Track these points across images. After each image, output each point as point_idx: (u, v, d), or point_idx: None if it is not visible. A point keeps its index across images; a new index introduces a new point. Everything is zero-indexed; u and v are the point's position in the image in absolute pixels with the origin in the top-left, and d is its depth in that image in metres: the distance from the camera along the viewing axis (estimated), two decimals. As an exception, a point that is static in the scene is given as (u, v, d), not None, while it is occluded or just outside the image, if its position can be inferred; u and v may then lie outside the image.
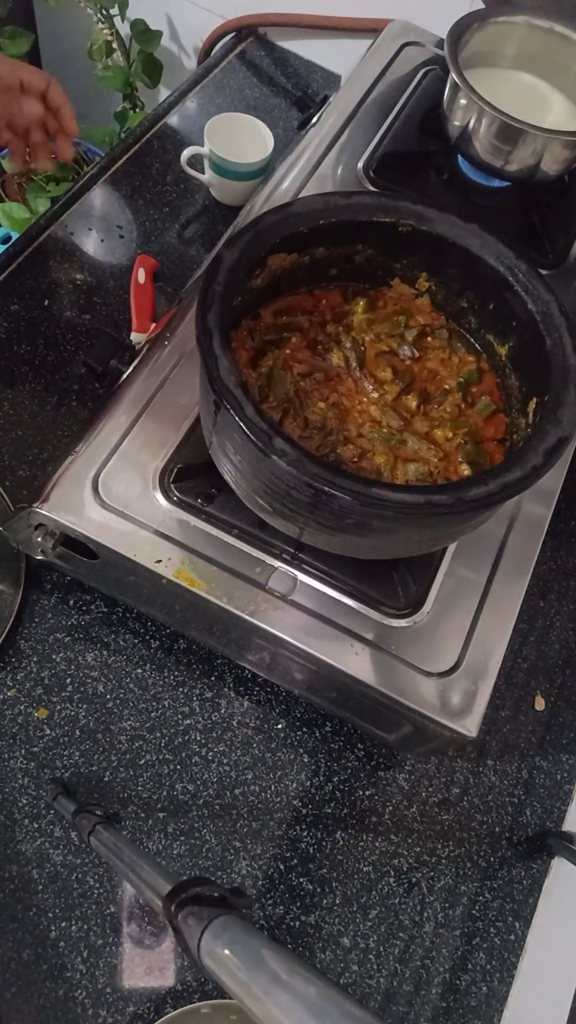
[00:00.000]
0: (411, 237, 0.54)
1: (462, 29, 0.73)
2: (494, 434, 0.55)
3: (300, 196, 0.59)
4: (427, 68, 0.87)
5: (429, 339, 0.59)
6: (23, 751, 0.65)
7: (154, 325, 0.77)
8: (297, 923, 0.64)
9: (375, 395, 0.55)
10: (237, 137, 0.91)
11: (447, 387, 0.57)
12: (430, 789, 0.70)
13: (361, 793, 0.69)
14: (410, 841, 0.68)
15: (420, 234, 0.54)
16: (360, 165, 0.78)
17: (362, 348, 0.57)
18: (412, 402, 0.55)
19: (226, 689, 0.70)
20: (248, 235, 0.50)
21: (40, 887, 0.62)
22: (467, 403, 0.56)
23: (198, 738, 0.68)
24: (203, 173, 0.93)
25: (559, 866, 0.69)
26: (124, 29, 1.17)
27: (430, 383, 0.57)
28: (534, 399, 0.51)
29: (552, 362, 0.49)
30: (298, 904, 0.64)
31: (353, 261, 0.58)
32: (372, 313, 0.59)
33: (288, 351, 0.56)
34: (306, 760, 0.69)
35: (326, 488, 0.42)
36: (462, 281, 0.56)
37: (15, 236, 0.98)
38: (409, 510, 0.43)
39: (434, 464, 0.53)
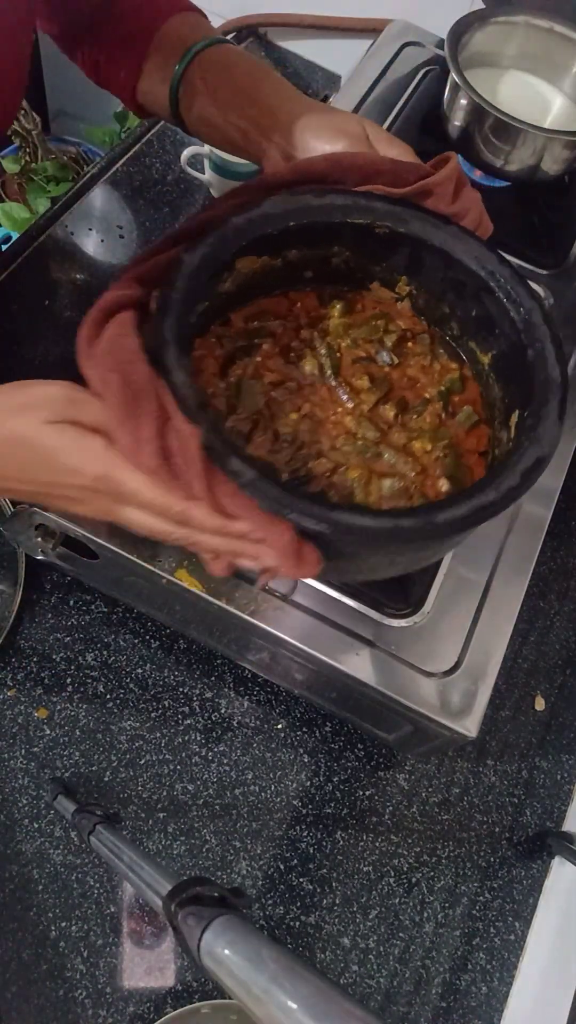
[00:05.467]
0: (389, 239, 0.51)
1: (462, 29, 0.73)
2: (476, 446, 0.52)
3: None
4: (427, 68, 0.87)
5: (410, 344, 0.55)
6: (23, 751, 0.66)
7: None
8: (297, 923, 0.64)
9: (350, 405, 0.52)
10: (237, 137, 0.91)
11: (427, 396, 0.53)
12: (430, 789, 0.70)
13: (361, 793, 0.69)
14: (410, 841, 0.68)
15: (398, 236, 0.51)
16: (360, 165, 0.78)
17: (338, 355, 0.53)
18: (390, 412, 0.52)
19: (226, 689, 0.70)
20: (211, 239, 0.47)
21: (40, 887, 0.62)
22: (448, 413, 0.53)
23: (198, 738, 0.68)
24: (203, 173, 0.93)
25: (559, 866, 0.69)
26: (124, 29, 1.17)
27: (409, 391, 0.54)
28: (516, 412, 0.48)
29: (534, 374, 0.46)
30: (298, 904, 0.64)
31: (330, 264, 0.54)
32: (350, 317, 0.56)
33: (260, 359, 0.52)
34: (306, 760, 0.69)
35: (284, 512, 0.39)
36: (443, 285, 0.53)
37: (15, 236, 0.98)
38: (372, 537, 0.40)
39: (411, 479, 0.49)
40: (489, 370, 0.52)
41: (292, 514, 0.39)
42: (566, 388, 0.45)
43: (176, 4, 0.63)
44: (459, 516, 0.41)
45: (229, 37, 1.11)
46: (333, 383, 0.52)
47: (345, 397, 0.52)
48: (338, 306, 0.56)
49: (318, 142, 0.53)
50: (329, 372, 0.53)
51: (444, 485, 0.50)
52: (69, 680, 0.68)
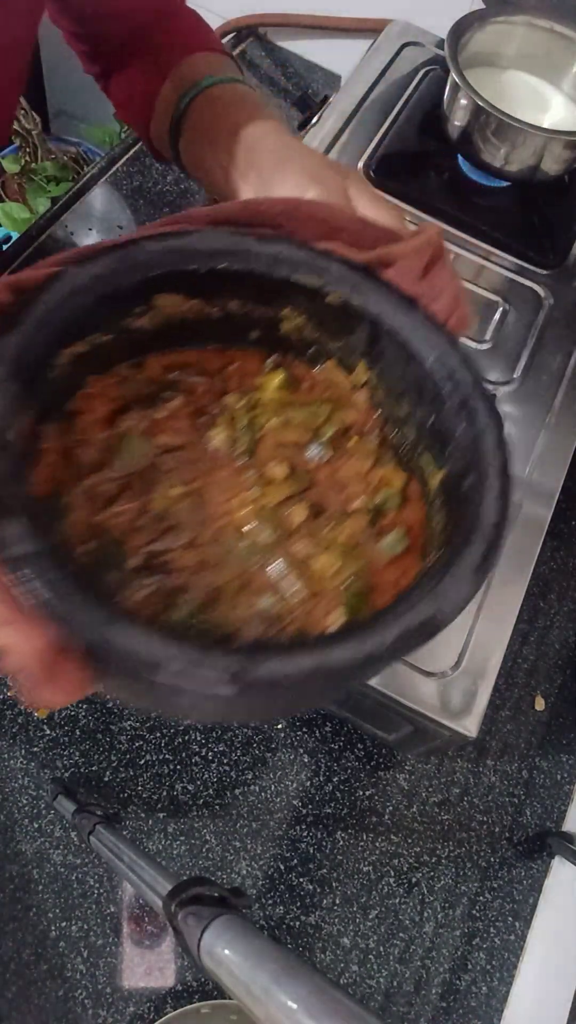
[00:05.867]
0: (343, 312, 0.42)
1: (462, 29, 0.73)
2: (395, 580, 0.41)
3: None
4: (427, 68, 0.87)
5: (352, 442, 0.45)
6: (23, 751, 0.65)
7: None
8: (297, 923, 0.64)
9: (253, 494, 0.42)
10: (237, 137, 0.91)
11: (353, 507, 0.43)
12: (430, 789, 0.70)
13: (361, 793, 0.69)
14: (410, 841, 0.68)
15: (353, 310, 0.42)
16: (360, 165, 0.78)
17: (259, 433, 0.44)
18: (299, 514, 0.41)
19: (226, 689, 0.70)
20: (109, 259, 0.38)
21: (40, 887, 0.62)
22: (373, 532, 0.42)
23: (198, 738, 0.68)
24: (203, 173, 0.93)
25: (559, 866, 0.69)
26: (124, 29, 1.17)
27: (331, 495, 0.43)
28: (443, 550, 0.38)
29: (465, 510, 0.37)
30: (298, 904, 0.64)
31: (278, 329, 0.46)
32: (291, 394, 0.47)
33: (163, 415, 0.43)
34: (306, 760, 0.69)
35: (41, 605, 0.29)
36: (403, 381, 0.43)
37: (15, 236, 0.98)
38: (147, 668, 0.29)
39: (291, 606, 0.39)
40: (437, 492, 0.42)
41: (54, 614, 0.29)
42: (499, 534, 0.36)
43: (207, 42, 0.59)
44: (282, 673, 0.30)
45: (229, 37, 1.12)
46: (241, 463, 0.43)
47: (250, 482, 0.42)
48: (278, 378, 0.46)
49: (284, 186, 0.47)
50: (242, 450, 0.43)
51: (338, 619, 0.39)
52: (69, 680, 0.68)
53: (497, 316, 0.71)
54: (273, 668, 0.29)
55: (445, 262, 0.44)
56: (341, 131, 0.80)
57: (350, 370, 0.46)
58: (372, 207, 0.46)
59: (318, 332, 0.45)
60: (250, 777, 0.68)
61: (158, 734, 0.68)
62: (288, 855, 0.66)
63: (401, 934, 0.65)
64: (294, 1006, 0.32)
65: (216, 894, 0.40)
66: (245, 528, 0.41)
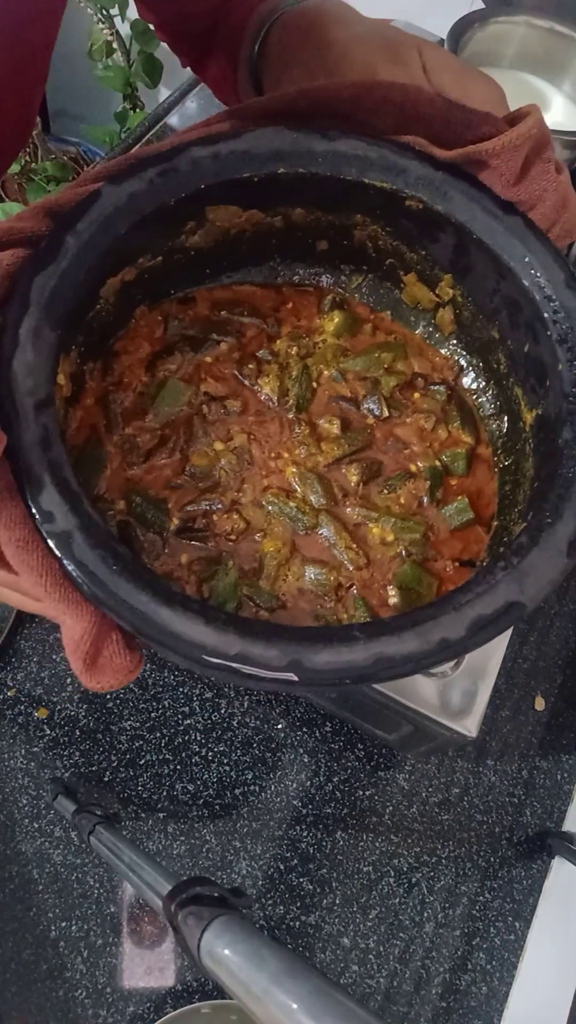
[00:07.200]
0: (425, 219, 0.37)
1: (462, 29, 0.73)
2: (457, 553, 0.38)
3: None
4: (427, 68, 0.87)
5: (416, 396, 0.41)
6: (23, 751, 0.65)
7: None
8: (297, 923, 0.64)
9: (302, 453, 0.38)
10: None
11: (412, 469, 0.40)
12: (430, 789, 0.70)
13: (361, 793, 0.69)
14: (410, 841, 0.68)
15: (435, 217, 0.36)
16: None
17: (314, 384, 0.40)
18: (352, 476, 0.38)
19: (226, 689, 0.70)
20: (151, 171, 0.34)
21: (40, 887, 0.62)
22: (433, 500, 0.39)
23: (198, 738, 0.68)
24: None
25: (559, 866, 0.69)
26: (124, 29, 1.17)
27: (390, 457, 0.40)
28: (532, 514, 0.32)
29: (560, 466, 0.31)
30: (298, 904, 0.64)
31: (351, 237, 0.40)
32: (349, 339, 0.42)
33: (208, 359, 0.39)
34: (306, 760, 0.69)
35: (86, 591, 0.27)
36: (495, 300, 0.38)
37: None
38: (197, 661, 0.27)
39: (346, 574, 0.36)
40: (530, 436, 0.37)
41: (93, 596, 0.27)
42: None
43: None
44: (326, 665, 0.27)
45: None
46: (292, 417, 0.39)
47: (299, 440, 0.39)
48: (337, 319, 0.42)
49: (352, 66, 0.38)
50: (292, 402, 0.40)
51: (393, 597, 0.36)
52: (69, 680, 0.68)
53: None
54: (330, 659, 0.27)
55: (548, 156, 0.36)
56: (341, 131, 0.79)
57: (433, 286, 0.41)
58: (459, 82, 0.38)
59: (396, 241, 0.40)
60: (250, 777, 0.68)
61: (158, 734, 0.68)
62: (288, 855, 0.66)
63: (401, 934, 0.65)
64: (294, 1006, 0.32)
65: (216, 894, 0.40)
66: (294, 491, 0.37)
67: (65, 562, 0.27)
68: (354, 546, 0.37)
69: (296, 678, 0.27)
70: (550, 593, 0.29)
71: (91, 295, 0.34)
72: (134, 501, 0.35)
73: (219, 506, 0.37)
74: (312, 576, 0.36)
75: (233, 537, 0.36)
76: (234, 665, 0.27)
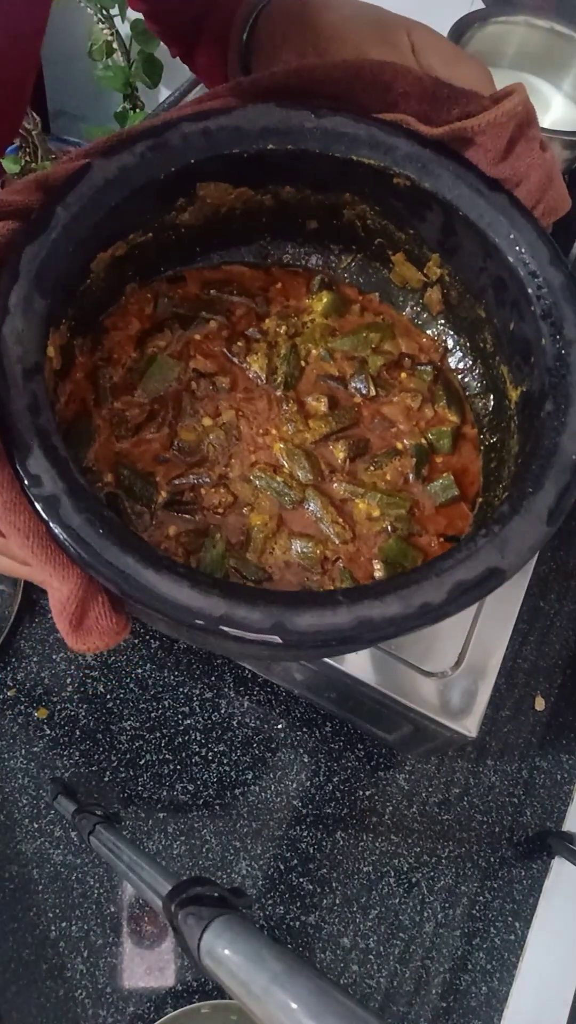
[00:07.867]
0: (412, 196, 0.37)
1: (462, 29, 0.73)
2: (442, 529, 0.39)
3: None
4: (427, 68, 0.87)
5: (403, 375, 0.42)
6: (23, 751, 0.65)
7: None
8: (297, 923, 0.64)
9: (289, 429, 0.39)
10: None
11: (399, 447, 0.40)
12: (430, 789, 0.70)
13: (361, 793, 0.69)
14: (410, 841, 0.68)
15: (423, 195, 0.36)
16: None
17: (302, 363, 0.41)
18: (339, 453, 0.39)
19: (226, 689, 0.70)
20: (141, 145, 0.34)
21: (40, 887, 0.62)
22: (419, 477, 0.40)
23: (198, 738, 0.68)
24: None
25: (559, 866, 0.69)
26: (124, 29, 1.17)
27: (376, 434, 0.41)
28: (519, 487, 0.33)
29: (542, 438, 0.32)
30: (298, 904, 0.64)
31: (340, 217, 0.41)
32: (337, 319, 0.42)
33: (198, 336, 0.40)
34: (306, 760, 0.69)
35: (71, 552, 0.28)
36: (481, 278, 0.38)
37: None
38: (182, 621, 0.27)
39: (333, 548, 0.37)
40: (515, 414, 0.38)
41: (80, 558, 0.27)
42: None
43: None
44: (309, 628, 0.28)
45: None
46: (280, 394, 0.40)
47: (287, 417, 0.39)
48: (325, 299, 0.42)
49: (343, 47, 0.38)
50: (280, 380, 0.40)
51: (379, 570, 0.37)
52: (69, 680, 0.68)
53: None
54: (313, 621, 0.28)
55: (533, 134, 0.36)
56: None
57: (421, 266, 0.41)
58: (448, 63, 0.38)
59: (384, 220, 0.40)
60: (250, 777, 0.68)
61: (158, 734, 0.68)
62: (288, 855, 0.66)
63: (401, 934, 0.65)
64: (294, 1006, 0.32)
65: (216, 894, 0.40)
66: (282, 465, 0.38)
67: (52, 525, 0.28)
68: (340, 520, 0.37)
69: (280, 640, 0.27)
70: (529, 559, 0.30)
71: (82, 268, 0.35)
72: (122, 474, 0.36)
73: (207, 480, 0.37)
74: (299, 549, 0.36)
75: (220, 510, 0.36)
76: (220, 627, 0.27)
